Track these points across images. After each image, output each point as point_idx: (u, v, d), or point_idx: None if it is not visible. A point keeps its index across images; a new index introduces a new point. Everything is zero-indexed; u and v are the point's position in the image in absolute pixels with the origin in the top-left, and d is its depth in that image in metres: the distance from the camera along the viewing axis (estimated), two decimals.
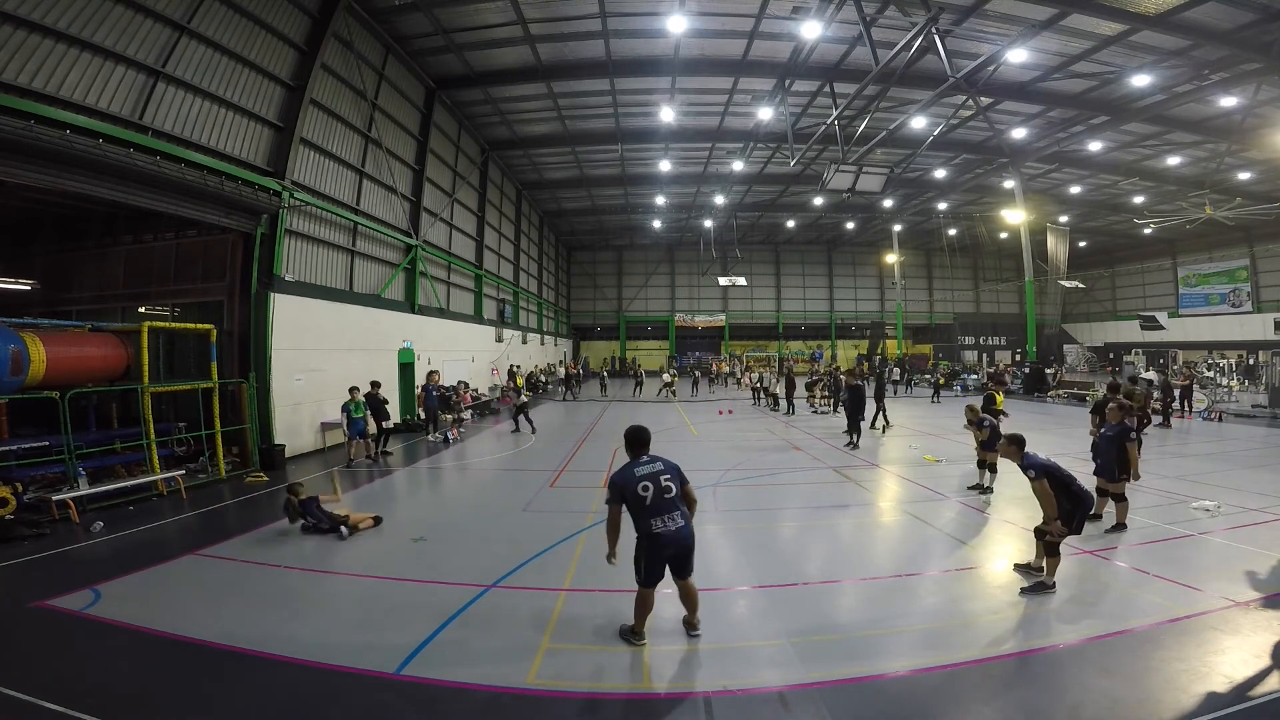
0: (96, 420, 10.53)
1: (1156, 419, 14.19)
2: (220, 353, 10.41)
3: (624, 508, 4.20)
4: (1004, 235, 36.70)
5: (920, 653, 4.16)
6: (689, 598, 4.37)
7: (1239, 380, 26.36)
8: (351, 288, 14.53)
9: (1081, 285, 35.64)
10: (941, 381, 24.78)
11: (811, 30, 13.81)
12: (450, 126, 20.52)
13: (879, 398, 15.29)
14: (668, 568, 4.20)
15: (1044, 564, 5.17)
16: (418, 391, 15.88)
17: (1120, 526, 6.63)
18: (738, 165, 24.23)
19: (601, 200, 33.40)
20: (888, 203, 30.89)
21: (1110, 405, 7.35)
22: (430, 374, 14.77)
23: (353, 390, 11.44)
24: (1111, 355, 38.74)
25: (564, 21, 15.32)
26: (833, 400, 18.48)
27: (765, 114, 18.84)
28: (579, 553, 6.22)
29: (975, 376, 30.44)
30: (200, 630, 4.52)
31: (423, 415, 15.01)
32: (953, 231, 37.41)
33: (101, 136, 8.28)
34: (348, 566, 6.03)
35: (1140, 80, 16.57)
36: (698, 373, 29.73)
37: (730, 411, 19.21)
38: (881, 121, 18.67)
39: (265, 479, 9.94)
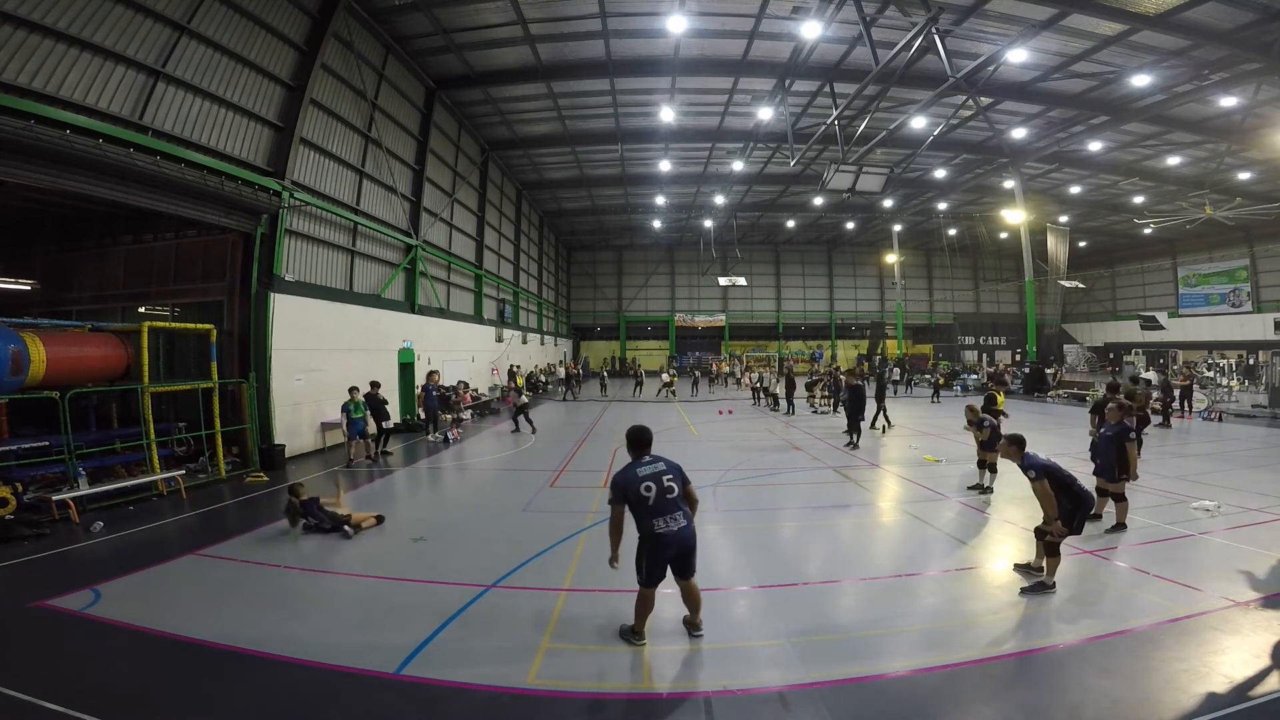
0: (96, 420, 10.54)
1: (1156, 419, 14.18)
2: (220, 353, 10.42)
3: (626, 508, 4.19)
4: (1004, 235, 36.67)
5: (920, 653, 4.16)
6: (691, 598, 4.36)
7: (1239, 380, 26.34)
8: (351, 288, 14.54)
9: (1081, 285, 35.62)
10: (941, 381, 24.76)
11: (811, 30, 13.82)
12: (450, 126, 20.51)
13: (879, 398, 15.28)
14: (669, 568, 4.20)
15: (1044, 564, 5.17)
16: (418, 391, 15.88)
17: (1120, 526, 6.63)
18: (738, 165, 24.21)
19: (601, 200, 33.38)
20: (888, 203, 30.87)
21: (1110, 405, 7.37)
22: (430, 374, 14.77)
23: (352, 390, 11.44)
24: (1111, 355, 38.72)
25: (564, 21, 15.32)
26: (833, 400, 18.47)
27: (765, 114, 18.82)
28: (579, 553, 6.23)
29: (975, 376, 30.41)
30: (200, 630, 4.52)
31: (423, 415, 15.02)
32: (953, 231, 37.39)
33: (101, 136, 8.28)
34: (348, 566, 6.03)
35: (1140, 80, 16.56)
36: (698, 373, 29.68)
37: (730, 411, 19.20)
38: (881, 121, 18.66)
39: (265, 479, 9.94)
